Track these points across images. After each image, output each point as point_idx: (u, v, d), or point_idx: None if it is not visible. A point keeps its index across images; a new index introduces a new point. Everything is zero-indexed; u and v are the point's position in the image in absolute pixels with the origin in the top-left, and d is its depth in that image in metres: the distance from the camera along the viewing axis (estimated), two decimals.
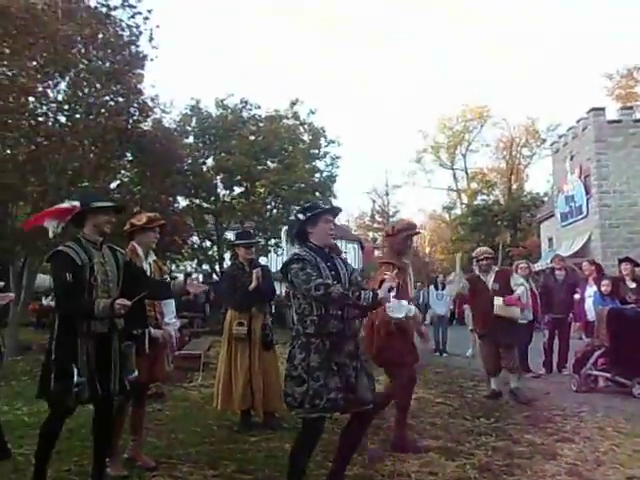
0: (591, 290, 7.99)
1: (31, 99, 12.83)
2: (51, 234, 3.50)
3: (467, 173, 44.04)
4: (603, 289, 7.51)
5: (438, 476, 3.80)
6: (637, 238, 21.80)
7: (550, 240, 28.53)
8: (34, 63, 12.58)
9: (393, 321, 3.98)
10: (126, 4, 14.14)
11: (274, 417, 5.17)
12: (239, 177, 23.52)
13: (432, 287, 13.03)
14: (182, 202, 21.94)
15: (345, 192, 68.87)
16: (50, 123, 13.34)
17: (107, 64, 13.94)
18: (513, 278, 6.86)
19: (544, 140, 39.77)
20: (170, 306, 4.30)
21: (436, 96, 64.39)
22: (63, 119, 13.83)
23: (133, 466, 3.94)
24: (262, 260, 16.15)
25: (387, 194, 41.96)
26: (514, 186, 41.36)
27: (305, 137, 25.09)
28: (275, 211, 24.60)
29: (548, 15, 61.83)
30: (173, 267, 22.07)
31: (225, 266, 22.00)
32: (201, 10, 65.51)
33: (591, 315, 7.74)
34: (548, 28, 58.66)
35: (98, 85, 13.71)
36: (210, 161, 23.95)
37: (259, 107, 24.36)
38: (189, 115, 23.56)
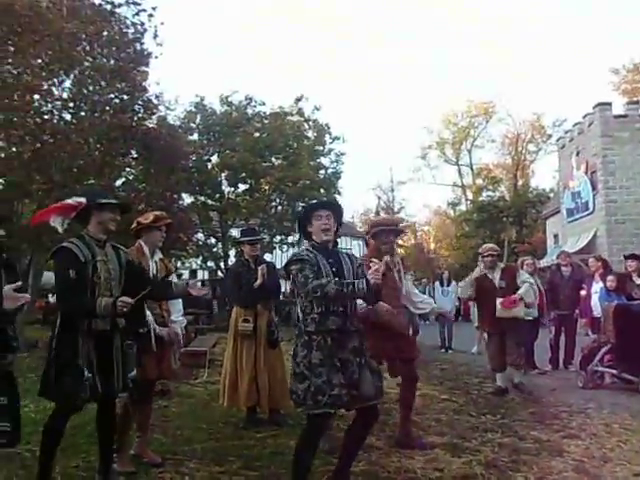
0: (597, 286, 7.96)
1: (36, 97, 12.86)
2: (60, 229, 3.51)
3: (472, 169, 43.93)
4: (608, 285, 7.50)
5: (444, 472, 3.80)
6: None
7: (556, 236, 28.42)
8: (39, 61, 12.61)
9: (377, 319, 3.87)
10: (130, 1, 14.18)
11: (280, 414, 5.17)
12: (244, 174, 23.53)
13: (437, 283, 13.00)
14: (187, 199, 21.98)
15: (350, 189, 68.84)
16: (55, 121, 13.38)
17: (112, 62, 13.97)
18: (519, 275, 6.84)
19: (550, 136, 39.60)
20: (177, 304, 4.30)
21: (441, 92, 64.27)
22: (68, 117, 13.87)
23: (140, 462, 3.96)
24: (267, 257, 16.17)
25: (392, 190, 41.91)
26: (520, 182, 41.20)
27: (310, 134, 25.07)
28: (280, 208, 24.60)
29: (555, 10, 61.49)
30: (178, 264, 22.13)
31: (230, 263, 22.04)
32: (204, 7, 65.51)
33: (597, 311, 7.72)
34: (555, 23, 58.41)
35: (103, 83, 13.75)
36: (215, 158, 23.98)
37: (264, 104, 24.36)
38: (194, 112, 23.58)
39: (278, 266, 5.87)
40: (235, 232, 22.57)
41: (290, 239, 23.88)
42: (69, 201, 3.52)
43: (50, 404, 3.49)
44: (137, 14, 14.40)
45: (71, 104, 13.92)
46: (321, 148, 25.10)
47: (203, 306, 17.26)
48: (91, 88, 13.85)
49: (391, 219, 4.67)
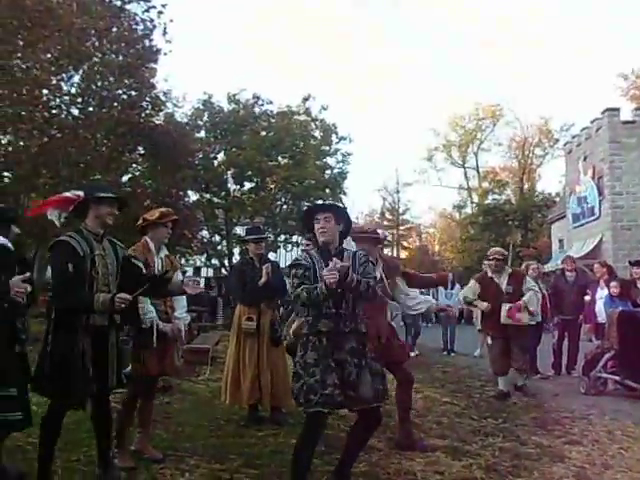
0: (602, 292, 7.93)
1: (45, 91, 12.93)
2: (57, 222, 3.49)
3: (478, 172, 43.77)
4: (612, 291, 7.48)
5: (444, 475, 3.79)
6: None
7: (561, 241, 28.33)
8: (48, 56, 12.68)
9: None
10: None
11: (281, 412, 5.18)
12: (250, 172, 23.58)
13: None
14: (192, 196, 22.06)
15: (355, 189, 68.81)
16: (63, 115, 13.45)
17: (120, 58, 14.03)
18: (525, 281, 6.82)
19: (557, 140, 39.43)
20: (182, 301, 4.31)
21: (447, 95, 64.18)
22: (76, 112, 13.94)
23: (140, 458, 3.97)
24: (271, 256, 16.18)
25: (397, 192, 41.82)
26: (526, 186, 41.06)
27: (316, 133, 25.09)
28: (285, 207, 24.64)
29: (565, 14, 61.31)
30: (182, 261, 22.17)
31: (234, 261, 22.07)
32: (213, 5, 65.51)
33: (601, 317, 7.69)
34: (565, 28, 58.19)
35: (111, 78, 13.80)
36: (221, 156, 24.03)
37: (271, 103, 24.41)
38: (201, 109, 23.64)
39: (282, 265, 5.87)
40: (240, 230, 22.63)
41: (295, 238, 23.89)
42: (67, 194, 3.51)
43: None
44: (147, 10, 14.47)
45: (79, 99, 13.99)
46: (327, 148, 25.12)
47: (206, 303, 17.28)
48: (99, 84, 13.91)
49: (366, 227, 4.53)
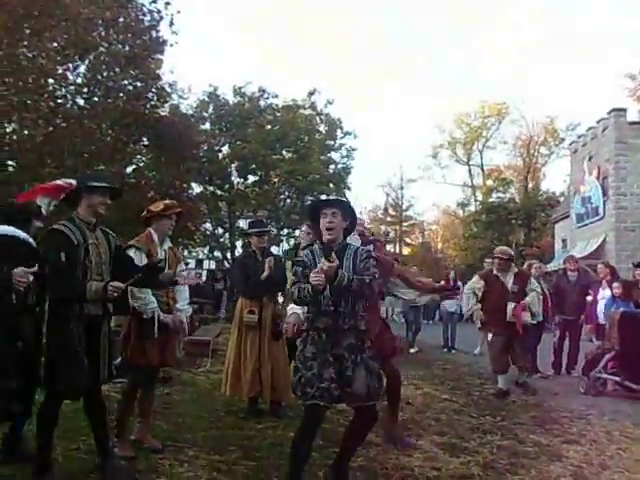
0: (604, 293, 7.92)
1: (50, 81, 12.93)
2: (44, 211, 3.48)
3: (483, 170, 43.65)
4: (614, 292, 7.47)
5: (441, 472, 3.80)
6: None
7: (564, 241, 28.27)
8: (54, 45, 12.67)
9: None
10: None
11: (281, 406, 5.20)
12: (254, 166, 23.58)
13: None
14: (196, 188, 22.07)
15: (359, 185, 68.68)
16: (69, 105, 13.45)
17: (127, 48, 14.01)
18: (530, 282, 6.89)
19: (563, 139, 39.27)
20: (184, 292, 4.32)
21: (452, 93, 63.92)
22: (82, 102, 13.94)
23: (140, 447, 3.99)
24: (274, 249, 16.19)
25: (401, 188, 41.72)
26: (530, 185, 40.93)
27: (321, 128, 25.07)
28: (289, 201, 24.66)
29: (574, 14, 60.96)
30: (185, 253, 22.21)
31: (237, 254, 22.10)
32: (214, 3, 65.17)
33: (602, 318, 7.68)
34: (572, 27, 57.84)
35: (117, 69, 13.80)
36: (226, 148, 24.04)
37: (276, 96, 24.39)
38: (206, 102, 23.63)
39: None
40: (243, 223, 22.64)
41: (297, 232, 23.91)
42: (58, 182, 3.49)
43: None
44: (154, 1, 14.44)
45: (85, 89, 13.99)
46: (332, 143, 25.09)
47: (210, 296, 17.28)
48: (105, 74, 13.91)
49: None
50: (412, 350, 10.90)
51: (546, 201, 36.57)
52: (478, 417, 5.41)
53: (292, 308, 4.05)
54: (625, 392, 6.77)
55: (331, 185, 23.78)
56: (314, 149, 23.71)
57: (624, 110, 23.10)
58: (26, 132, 12.75)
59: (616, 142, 22.42)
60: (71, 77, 13.82)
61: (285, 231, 24.56)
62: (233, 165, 23.88)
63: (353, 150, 25.41)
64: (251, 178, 24.55)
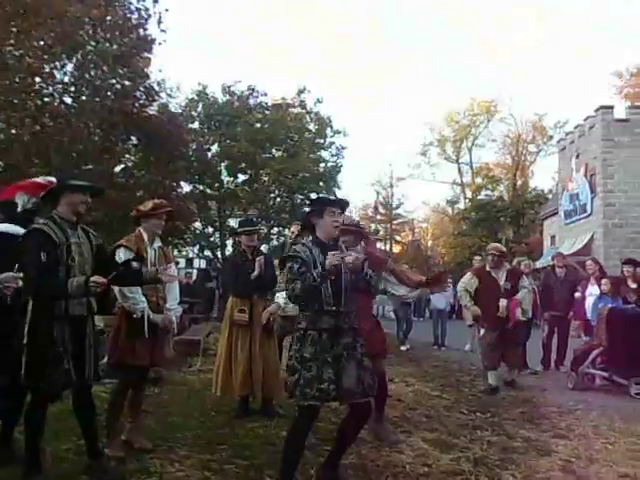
0: (592, 289, 7.99)
1: (37, 79, 12.81)
2: (20, 207, 3.44)
3: (472, 168, 43.80)
4: (603, 288, 7.54)
5: (432, 468, 3.83)
6: None
7: (553, 238, 28.45)
8: (41, 43, 12.55)
9: None
10: None
11: (272, 404, 5.20)
12: (244, 164, 23.52)
13: None
14: (186, 187, 21.95)
15: (349, 183, 68.75)
16: (56, 104, 13.32)
17: (115, 46, 13.90)
18: (521, 279, 6.96)
19: (551, 137, 39.44)
20: (174, 291, 4.31)
21: (442, 90, 64.08)
22: (69, 100, 13.81)
23: (131, 448, 3.98)
24: (263, 248, 16.16)
25: (391, 186, 41.77)
26: (519, 182, 41.14)
27: (311, 126, 25.04)
28: (279, 199, 24.61)
29: (560, 13, 61.33)
30: (175, 252, 22.10)
31: (227, 253, 22.05)
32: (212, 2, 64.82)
33: (591, 314, 7.75)
34: (560, 26, 58.22)
35: (105, 67, 13.69)
36: (215, 147, 23.94)
37: (266, 94, 24.32)
38: (195, 100, 23.52)
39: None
40: (233, 222, 22.59)
41: (287, 231, 23.90)
42: (38, 180, 3.47)
43: None
44: None
45: (72, 88, 13.86)
46: (322, 141, 25.07)
47: (202, 295, 17.17)
48: (93, 72, 13.79)
49: (347, 219, 4.36)
50: (403, 348, 10.94)
51: (535, 198, 36.77)
52: (468, 413, 5.45)
53: (277, 298, 4.03)
54: (613, 387, 6.84)
55: (321, 183, 23.76)
56: (304, 148, 23.69)
57: (611, 107, 23.28)
58: (13, 131, 12.63)
59: (603, 139, 22.59)
60: (58, 75, 13.70)
61: (275, 230, 24.52)
62: (223, 164, 23.80)
63: (343, 148, 25.44)
64: (241, 177, 24.48)
